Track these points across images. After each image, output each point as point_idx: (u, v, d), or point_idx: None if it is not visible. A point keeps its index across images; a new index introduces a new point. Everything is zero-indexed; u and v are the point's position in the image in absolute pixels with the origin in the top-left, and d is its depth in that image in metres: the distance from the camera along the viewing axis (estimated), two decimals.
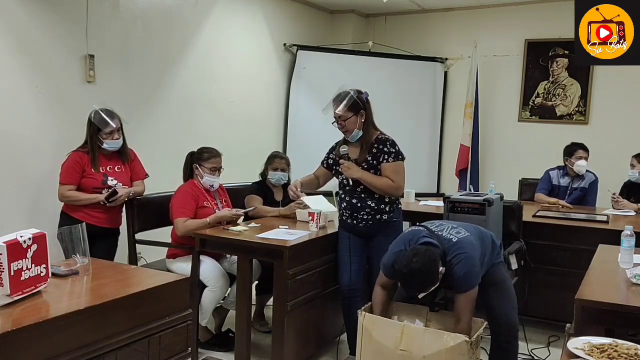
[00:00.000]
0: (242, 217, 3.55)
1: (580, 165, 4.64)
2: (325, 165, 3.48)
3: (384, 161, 3.24)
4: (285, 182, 4.01)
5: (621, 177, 4.75)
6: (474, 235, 2.79)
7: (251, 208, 3.64)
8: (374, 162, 3.26)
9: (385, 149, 3.25)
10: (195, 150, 3.71)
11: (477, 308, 2.79)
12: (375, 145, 3.27)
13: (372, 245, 3.34)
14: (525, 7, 6.03)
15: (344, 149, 3.29)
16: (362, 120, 3.25)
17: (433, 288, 2.63)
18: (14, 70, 3.60)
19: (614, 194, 4.46)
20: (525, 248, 3.78)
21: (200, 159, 3.62)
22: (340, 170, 3.31)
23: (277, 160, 3.98)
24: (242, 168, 4.40)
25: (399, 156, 3.27)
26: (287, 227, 3.49)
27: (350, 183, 3.27)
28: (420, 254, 2.56)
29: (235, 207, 3.71)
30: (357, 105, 3.22)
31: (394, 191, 3.28)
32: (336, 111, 3.23)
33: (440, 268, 2.60)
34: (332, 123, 3.29)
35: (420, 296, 2.68)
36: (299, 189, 3.41)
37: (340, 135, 3.40)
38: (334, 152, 3.43)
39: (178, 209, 3.48)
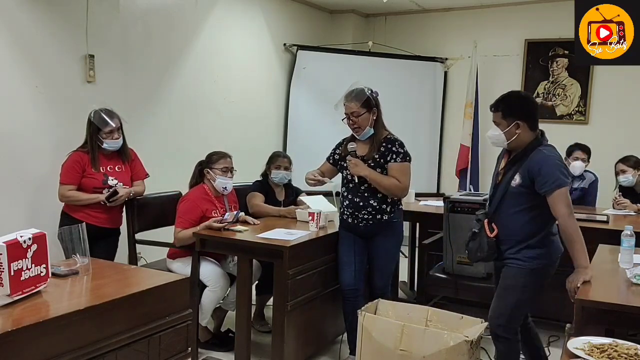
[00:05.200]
0: (236, 219, 3.49)
1: (575, 166, 4.64)
2: (331, 161, 3.45)
3: (392, 160, 3.23)
4: (289, 180, 4.01)
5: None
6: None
7: (236, 213, 3.47)
8: (381, 160, 3.24)
9: (394, 149, 3.24)
10: (203, 158, 3.67)
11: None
12: (384, 144, 3.25)
13: (372, 245, 3.33)
14: (525, 7, 6.04)
15: (352, 146, 3.27)
16: (374, 118, 3.24)
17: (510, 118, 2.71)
18: (14, 70, 3.60)
19: (617, 195, 4.47)
20: None
21: (210, 162, 3.59)
22: (345, 165, 3.30)
23: (280, 159, 3.97)
24: (242, 168, 4.39)
25: (406, 157, 3.26)
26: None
27: (355, 180, 3.26)
28: None
29: (238, 207, 3.71)
30: (370, 102, 3.21)
31: (400, 192, 3.27)
32: (350, 105, 3.20)
33: (522, 123, 2.69)
34: (343, 119, 3.27)
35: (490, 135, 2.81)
36: (317, 175, 3.34)
37: (344, 134, 3.39)
38: (340, 148, 3.41)
39: (178, 218, 3.47)
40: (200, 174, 3.64)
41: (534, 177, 2.64)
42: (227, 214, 3.41)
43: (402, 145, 3.27)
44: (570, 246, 2.62)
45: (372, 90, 3.26)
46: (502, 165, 2.84)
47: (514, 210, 2.72)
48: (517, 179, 2.70)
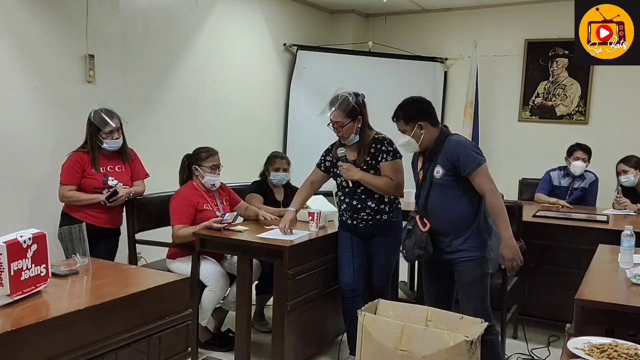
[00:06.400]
0: (236, 219, 3.49)
1: (576, 166, 4.65)
2: (322, 169, 3.44)
3: (383, 160, 3.23)
4: (287, 181, 4.01)
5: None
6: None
7: (236, 214, 3.51)
8: (373, 162, 3.25)
9: (384, 148, 3.24)
10: (191, 152, 3.69)
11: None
12: (373, 145, 3.26)
13: (372, 245, 3.33)
14: (525, 7, 6.04)
15: (341, 151, 3.26)
16: (359, 126, 3.23)
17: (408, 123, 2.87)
18: (14, 70, 3.60)
19: (618, 195, 4.48)
20: (525, 248, 3.77)
21: (199, 159, 3.60)
22: (338, 172, 3.30)
23: (278, 160, 3.97)
24: (242, 168, 4.40)
25: (397, 154, 3.26)
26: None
27: (350, 185, 3.26)
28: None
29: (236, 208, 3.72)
30: (354, 111, 3.19)
31: (395, 190, 3.27)
32: (332, 118, 3.20)
33: (424, 123, 2.84)
34: (328, 125, 3.26)
35: (401, 144, 2.93)
36: (292, 227, 3.33)
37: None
38: (330, 155, 3.41)
39: (174, 215, 3.47)
40: (188, 168, 3.65)
41: (455, 163, 2.78)
42: (227, 214, 3.42)
43: (390, 143, 3.27)
44: (496, 218, 2.79)
45: (357, 96, 3.23)
46: (420, 167, 2.96)
47: (446, 200, 2.83)
48: (439, 171, 2.83)
